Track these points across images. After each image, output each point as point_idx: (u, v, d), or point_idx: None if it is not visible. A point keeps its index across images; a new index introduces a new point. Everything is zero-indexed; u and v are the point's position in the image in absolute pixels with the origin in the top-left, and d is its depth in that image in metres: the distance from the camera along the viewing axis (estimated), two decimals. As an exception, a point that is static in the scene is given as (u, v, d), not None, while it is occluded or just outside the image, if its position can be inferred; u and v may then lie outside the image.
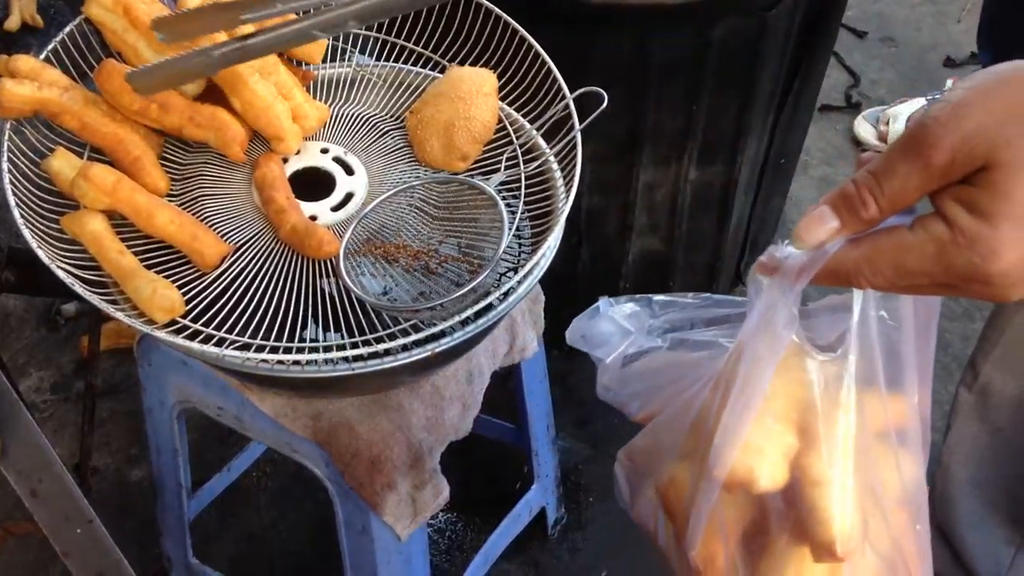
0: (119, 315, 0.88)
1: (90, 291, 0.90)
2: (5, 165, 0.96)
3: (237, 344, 0.91)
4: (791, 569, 0.67)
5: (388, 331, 0.93)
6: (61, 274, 0.90)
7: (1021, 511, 1.36)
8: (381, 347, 0.89)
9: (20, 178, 0.96)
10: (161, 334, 0.88)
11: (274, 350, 0.89)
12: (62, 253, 0.93)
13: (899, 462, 0.67)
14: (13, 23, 1.83)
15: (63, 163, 0.98)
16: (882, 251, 0.55)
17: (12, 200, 0.94)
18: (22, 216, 0.94)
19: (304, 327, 0.93)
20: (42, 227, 0.95)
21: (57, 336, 1.82)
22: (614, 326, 0.73)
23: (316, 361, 0.89)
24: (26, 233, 0.92)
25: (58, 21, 1.88)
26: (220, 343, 0.90)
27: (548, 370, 1.37)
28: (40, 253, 0.91)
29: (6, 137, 0.98)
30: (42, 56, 1.03)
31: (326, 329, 0.94)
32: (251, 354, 0.88)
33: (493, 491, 1.60)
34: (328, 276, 0.97)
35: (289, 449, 1.08)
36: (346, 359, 0.89)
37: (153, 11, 1.03)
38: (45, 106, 0.99)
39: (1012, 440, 1.32)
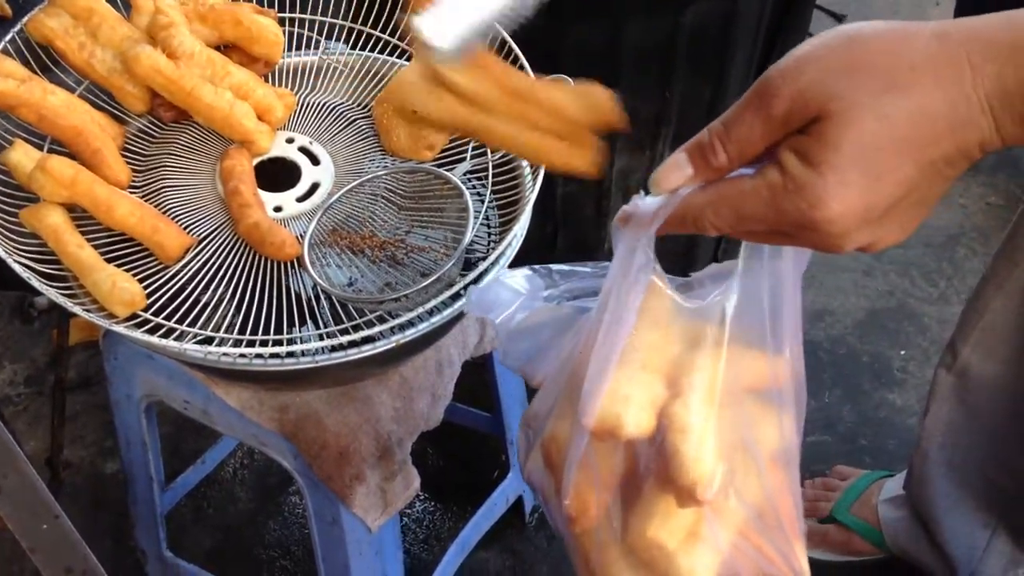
0: (77, 309, 0.87)
1: (48, 285, 0.89)
2: (-39, 157, 0.95)
3: (199, 338, 0.90)
4: (658, 516, 0.68)
5: (353, 323, 0.92)
6: (17, 268, 0.88)
7: (997, 494, 1.36)
8: (345, 339, 0.88)
9: (-23, 171, 0.95)
10: (120, 328, 0.87)
11: (236, 343, 0.88)
12: (21, 247, 0.92)
13: (777, 419, 0.69)
14: (-20, 12, 1.81)
15: (21, 155, 0.96)
16: (724, 196, 0.57)
17: (-32, 193, 0.93)
18: (-21, 209, 0.93)
19: (268, 320, 0.92)
20: (1, 221, 0.93)
21: (30, 328, 1.80)
22: (507, 291, 0.74)
23: (280, 355, 0.88)
24: (-17, 226, 0.91)
25: (26, 11, 1.86)
26: (181, 337, 0.90)
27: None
28: (-4, 247, 0.89)
29: (-37, 129, 0.97)
30: (-1, 47, 1.02)
31: (291, 323, 0.93)
32: (212, 348, 0.87)
33: (470, 479, 1.60)
34: (293, 269, 0.96)
35: (257, 442, 1.07)
36: (310, 352, 0.88)
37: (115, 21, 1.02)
38: (2, 99, 0.97)
39: (989, 423, 1.33)
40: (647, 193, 0.61)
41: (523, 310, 0.73)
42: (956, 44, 0.53)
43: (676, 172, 0.58)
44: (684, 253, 1.65)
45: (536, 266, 0.76)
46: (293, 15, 1.12)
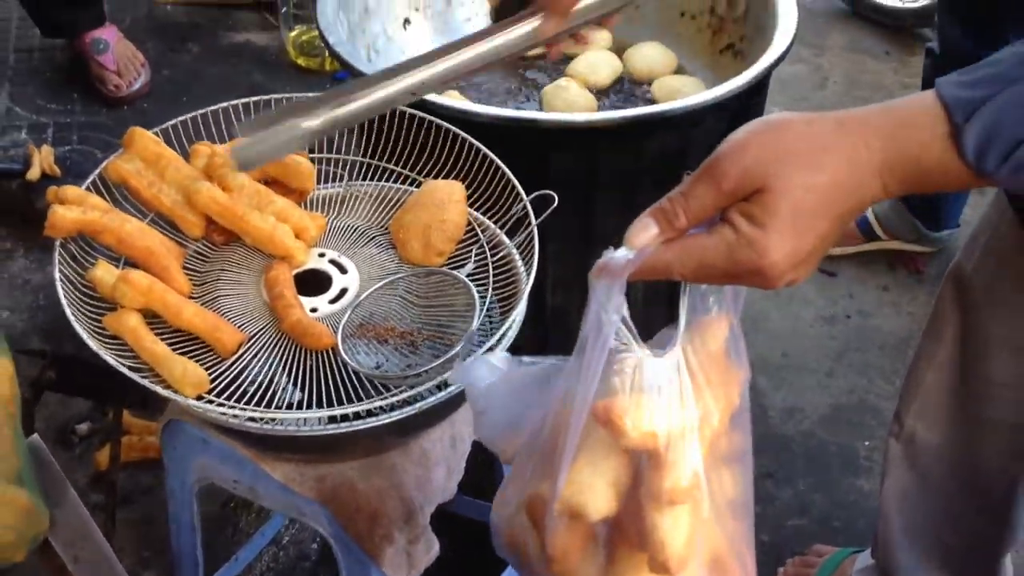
0: (158, 388, 1.06)
1: (133, 372, 1.08)
2: (57, 274, 1.15)
3: (256, 412, 1.08)
4: (631, 571, 0.81)
5: (381, 396, 1.10)
6: (110, 359, 1.07)
7: (951, 556, 1.50)
8: (371, 405, 1.06)
9: (69, 286, 1.15)
10: (193, 402, 1.06)
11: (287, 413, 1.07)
12: (108, 346, 1.11)
13: (731, 472, 0.81)
14: (34, 173, 2.06)
15: (104, 272, 1.17)
16: (689, 249, 0.72)
17: (64, 302, 1.13)
18: (73, 315, 1.12)
19: (311, 397, 1.11)
20: (88, 325, 1.13)
21: (71, 454, 1.96)
22: (487, 366, 0.88)
23: (323, 419, 1.06)
24: (79, 328, 1.10)
25: (74, 171, 2.11)
26: (241, 411, 1.08)
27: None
28: (91, 343, 1.09)
29: (56, 253, 1.18)
30: (84, 186, 1.24)
31: (330, 399, 1.11)
32: (268, 415, 1.05)
33: (480, 570, 1.73)
34: (330, 356, 1.15)
35: (297, 512, 1.23)
36: (345, 417, 1.06)
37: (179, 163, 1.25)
38: (89, 226, 1.19)
39: (937, 486, 1.47)
40: (616, 248, 0.74)
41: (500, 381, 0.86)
42: (852, 131, 0.71)
43: (644, 232, 0.73)
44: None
45: (510, 355, 0.91)
46: (322, 155, 1.36)
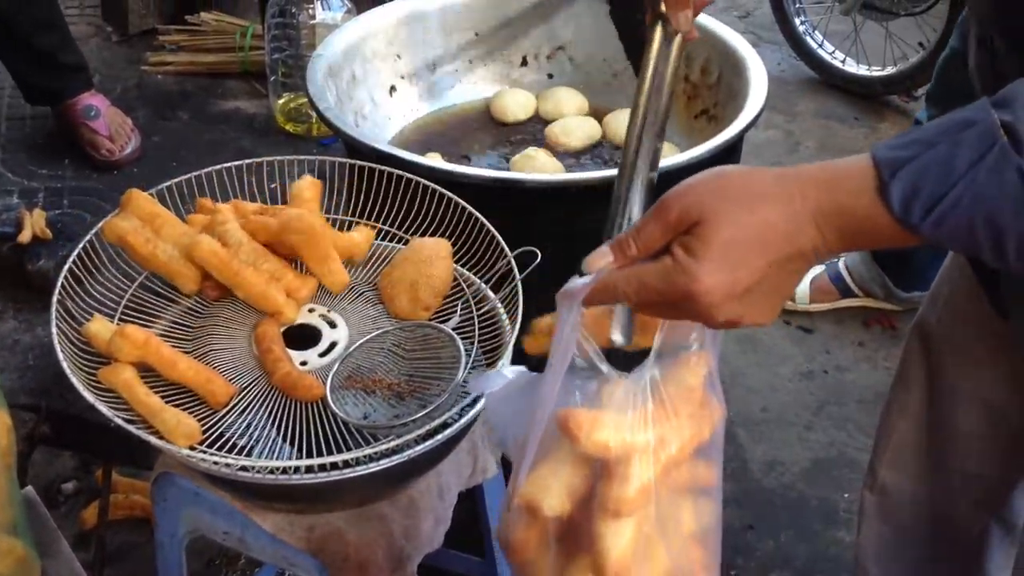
0: (152, 439, 1.09)
1: (128, 424, 1.11)
2: (54, 329, 1.18)
3: (246, 463, 1.11)
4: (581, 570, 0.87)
5: (370, 446, 1.14)
6: (105, 410, 1.10)
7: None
8: (359, 453, 1.09)
9: (65, 340, 1.19)
10: (186, 452, 1.08)
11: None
12: (103, 399, 1.14)
13: (694, 505, 0.88)
14: (25, 236, 2.10)
15: (100, 327, 1.21)
16: (633, 273, 0.80)
17: (60, 356, 1.16)
18: (69, 369, 1.15)
19: (301, 447, 1.14)
20: (84, 378, 1.16)
21: (57, 512, 1.97)
22: (501, 377, 0.96)
23: (313, 468, 1.09)
24: (75, 381, 1.13)
25: (65, 233, 2.15)
26: (233, 461, 1.11)
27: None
28: (87, 395, 1.12)
29: (53, 309, 1.21)
30: (79, 246, 1.28)
31: (319, 448, 1.14)
32: (259, 464, 1.08)
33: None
34: (318, 408, 1.18)
35: (287, 563, 1.25)
36: (334, 465, 1.09)
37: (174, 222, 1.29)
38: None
39: (912, 537, 1.50)
40: (581, 276, 0.83)
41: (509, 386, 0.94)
42: (789, 181, 0.77)
43: (600, 259, 0.82)
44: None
45: (523, 368, 0.98)
46: (312, 214, 1.40)
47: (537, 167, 1.77)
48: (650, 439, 0.82)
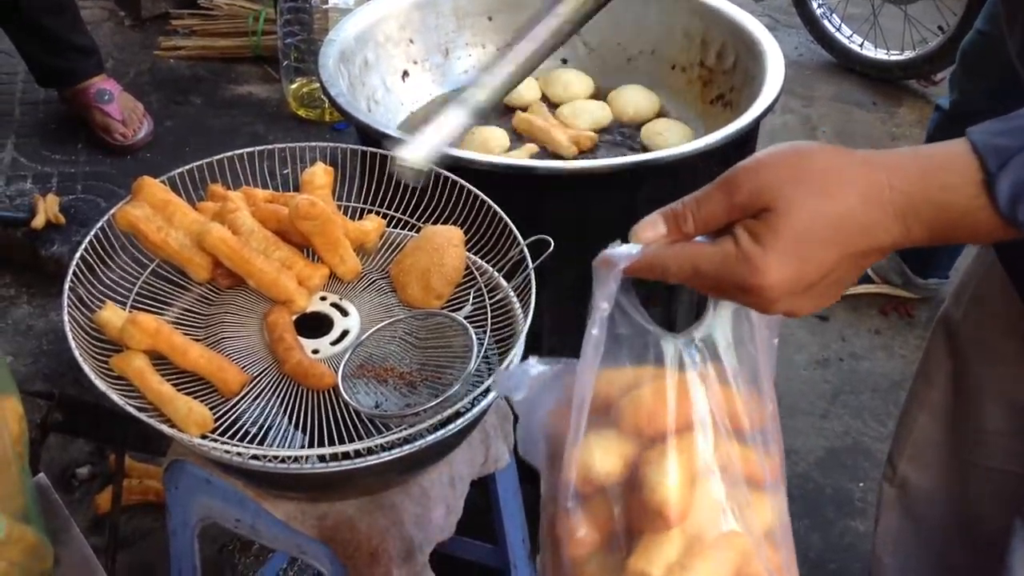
0: (163, 427, 1.08)
1: (139, 412, 1.10)
2: (66, 317, 1.18)
3: (257, 451, 1.11)
4: (641, 546, 0.77)
5: (381, 435, 1.13)
6: (117, 399, 1.10)
7: (944, 599, 1.52)
8: (371, 443, 1.09)
9: (77, 328, 1.18)
10: (198, 440, 1.08)
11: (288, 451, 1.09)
12: (115, 387, 1.13)
13: (767, 501, 0.81)
14: (39, 221, 2.10)
15: (111, 314, 1.20)
16: (688, 254, 0.72)
17: (72, 344, 1.15)
18: (81, 357, 1.15)
19: (312, 435, 1.13)
20: (96, 366, 1.16)
21: (71, 498, 1.97)
22: (527, 375, 0.87)
23: (324, 457, 1.08)
24: (86, 369, 1.13)
25: (79, 219, 2.15)
26: (245, 449, 1.10)
27: (523, 499, 1.54)
28: (99, 383, 1.11)
29: (65, 296, 1.21)
30: (91, 232, 1.27)
31: (331, 437, 1.14)
32: (271, 453, 1.07)
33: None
34: (330, 396, 1.18)
35: (298, 551, 1.25)
36: (346, 455, 1.08)
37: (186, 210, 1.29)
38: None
39: (931, 532, 1.48)
40: (623, 243, 0.75)
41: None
42: (876, 168, 0.69)
43: (652, 229, 0.73)
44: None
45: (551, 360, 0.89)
46: (324, 201, 1.39)
47: (477, 144, 1.76)
48: (708, 402, 0.75)
